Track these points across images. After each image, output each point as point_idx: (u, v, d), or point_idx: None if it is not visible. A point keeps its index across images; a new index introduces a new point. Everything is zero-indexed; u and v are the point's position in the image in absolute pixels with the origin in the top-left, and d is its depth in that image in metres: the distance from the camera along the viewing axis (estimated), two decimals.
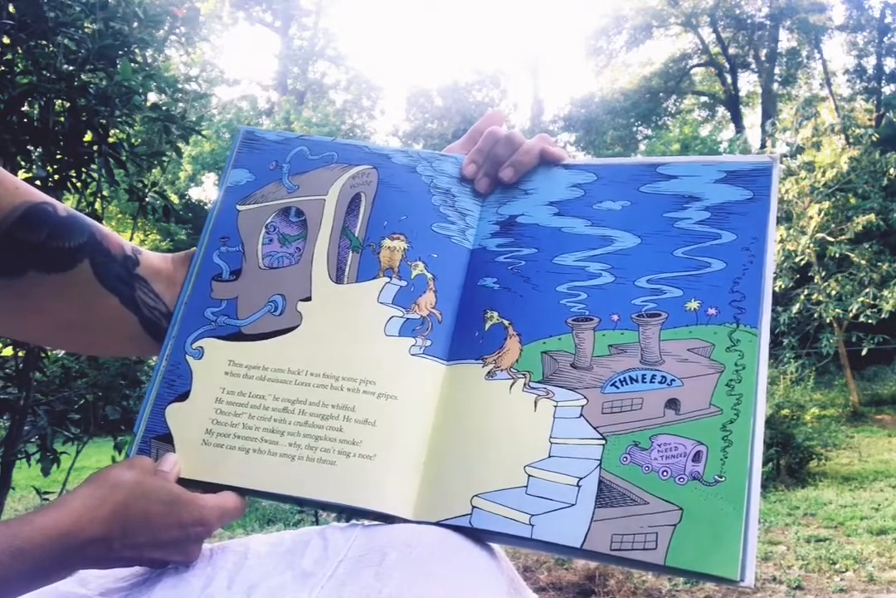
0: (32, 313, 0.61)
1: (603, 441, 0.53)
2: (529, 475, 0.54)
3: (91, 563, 0.51)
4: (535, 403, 0.56)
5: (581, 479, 0.52)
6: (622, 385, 0.55)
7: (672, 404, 0.53)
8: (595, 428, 0.54)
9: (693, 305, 0.56)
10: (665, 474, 0.51)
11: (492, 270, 0.62)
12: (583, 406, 0.55)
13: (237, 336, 0.61)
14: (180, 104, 2.31)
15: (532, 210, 0.64)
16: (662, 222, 0.59)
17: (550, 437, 0.54)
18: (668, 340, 0.55)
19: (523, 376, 0.57)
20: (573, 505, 0.52)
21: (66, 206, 0.62)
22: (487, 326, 0.60)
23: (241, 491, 0.57)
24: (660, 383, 0.54)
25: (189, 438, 0.58)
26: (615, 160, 0.64)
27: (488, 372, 0.58)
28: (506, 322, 0.60)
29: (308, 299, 0.61)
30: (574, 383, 0.56)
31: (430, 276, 0.62)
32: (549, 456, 0.54)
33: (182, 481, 0.56)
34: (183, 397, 0.59)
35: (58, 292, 0.60)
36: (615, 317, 0.57)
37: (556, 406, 0.56)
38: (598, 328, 0.57)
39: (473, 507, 0.54)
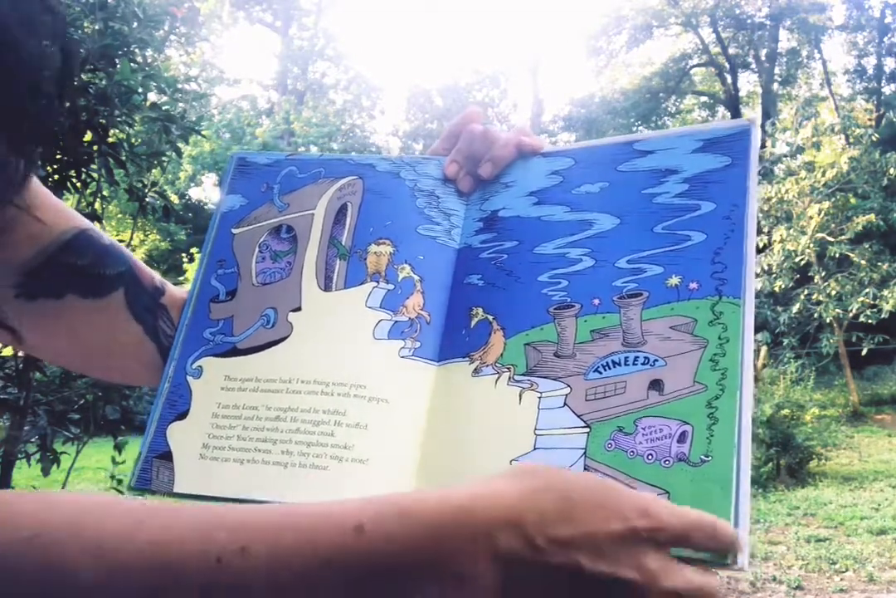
0: (64, 335, 0.63)
1: (587, 429, 0.52)
2: None
3: (506, 556, 0.36)
4: (520, 396, 0.55)
5: (566, 469, 0.51)
6: (605, 370, 0.53)
7: (655, 384, 0.51)
8: (579, 416, 0.53)
9: (674, 281, 0.54)
10: (650, 457, 0.49)
11: (477, 267, 0.62)
12: (566, 395, 0.54)
13: (232, 352, 0.61)
14: (180, 104, 2.31)
15: (512, 202, 0.63)
16: (641, 200, 0.58)
17: (535, 429, 0.53)
18: (650, 319, 0.53)
19: (508, 370, 0.57)
20: None
21: (108, 235, 0.65)
22: (473, 323, 0.60)
23: (238, 502, 0.57)
24: (642, 364, 0.52)
25: (187, 454, 0.58)
26: (592, 142, 0.63)
27: (475, 369, 0.58)
28: (490, 317, 0.59)
29: (298, 308, 0.62)
30: (557, 372, 0.55)
31: (416, 278, 0.62)
32: (535, 448, 0.53)
33: (180, 496, 0.56)
34: (183, 415, 0.60)
35: (89, 317, 0.63)
36: (596, 301, 0.56)
37: (540, 397, 0.55)
38: (580, 314, 0.56)
39: None
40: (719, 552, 0.43)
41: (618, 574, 0.37)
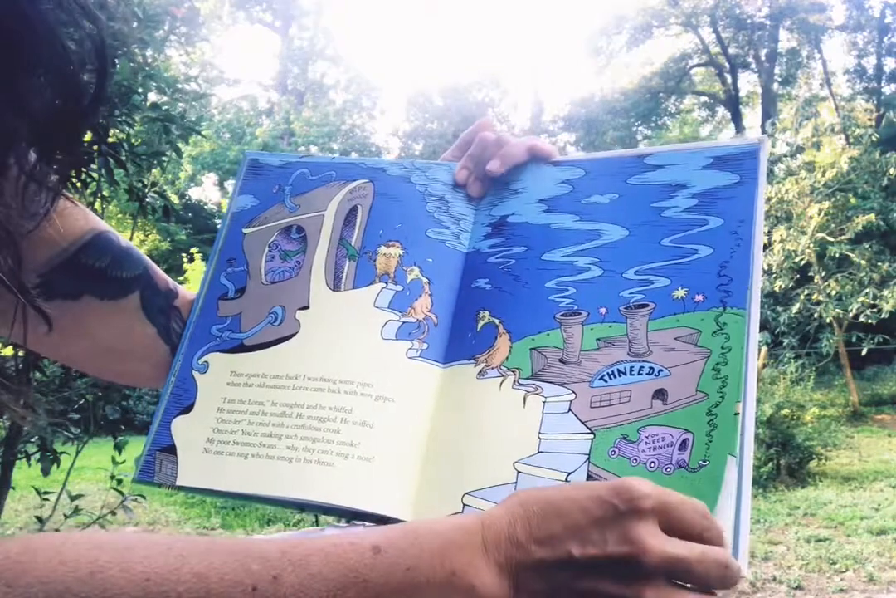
0: (79, 336, 0.64)
1: (591, 435, 0.53)
2: (518, 472, 0.53)
3: (508, 565, 0.41)
4: (524, 399, 0.56)
5: (569, 474, 0.52)
6: (610, 379, 0.54)
7: (659, 394, 0.52)
8: (583, 423, 0.53)
9: (680, 293, 0.55)
10: (652, 465, 0.50)
11: (485, 271, 0.62)
12: (571, 401, 0.54)
13: (239, 348, 0.62)
14: (180, 104, 2.31)
15: (522, 209, 0.64)
16: (650, 213, 0.59)
17: (539, 433, 0.54)
18: (655, 330, 0.54)
19: (513, 374, 0.57)
20: None
21: (125, 238, 0.66)
22: (479, 326, 0.60)
23: (242, 496, 0.57)
24: (647, 374, 0.53)
25: (191, 447, 0.58)
26: (603, 154, 0.64)
27: (479, 371, 0.58)
28: (496, 321, 0.60)
29: (306, 307, 0.62)
30: (562, 378, 0.56)
31: (425, 280, 0.62)
32: (538, 452, 0.53)
33: (183, 489, 0.56)
34: (188, 409, 0.60)
35: (105, 319, 0.64)
36: (603, 310, 0.57)
37: (544, 402, 0.55)
38: (587, 322, 0.57)
39: (464, 505, 0.54)
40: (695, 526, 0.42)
41: (608, 552, 0.39)
